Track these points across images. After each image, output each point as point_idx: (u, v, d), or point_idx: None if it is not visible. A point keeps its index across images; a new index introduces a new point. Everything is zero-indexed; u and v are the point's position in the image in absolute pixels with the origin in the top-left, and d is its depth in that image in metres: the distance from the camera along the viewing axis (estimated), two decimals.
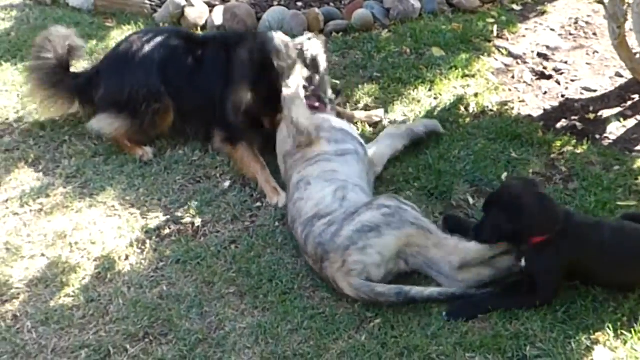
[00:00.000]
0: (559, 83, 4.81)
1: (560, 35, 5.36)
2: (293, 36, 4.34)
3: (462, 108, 4.44)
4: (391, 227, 3.17)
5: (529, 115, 4.43)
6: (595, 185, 3.78)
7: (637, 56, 4.62)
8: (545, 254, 3.04)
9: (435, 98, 4.53)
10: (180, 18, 5.37)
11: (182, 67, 4.16)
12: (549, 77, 4.86)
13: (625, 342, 2.94)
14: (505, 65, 4.96)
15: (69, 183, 3.94)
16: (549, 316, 3.05)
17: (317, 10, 5.33)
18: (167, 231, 3.62)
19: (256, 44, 4.10)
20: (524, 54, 5.08)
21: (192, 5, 5.34)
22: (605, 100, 4.61)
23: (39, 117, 4.37)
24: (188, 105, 4.16)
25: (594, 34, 5.37)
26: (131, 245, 3.53)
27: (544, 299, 3.08)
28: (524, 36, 5.31)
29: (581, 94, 4.68)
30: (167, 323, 3.11)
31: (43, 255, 3.49)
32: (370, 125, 4.29)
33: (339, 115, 4.17)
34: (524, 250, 3.10)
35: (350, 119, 4.26)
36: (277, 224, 3.62)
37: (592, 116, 4.44)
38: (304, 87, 3.98)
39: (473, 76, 4.76)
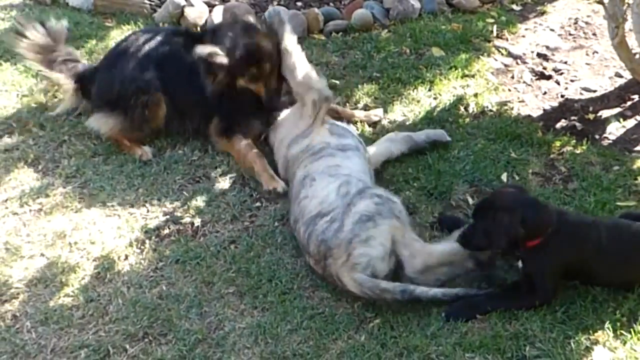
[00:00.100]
0: (558, 83, 4.81)
1: (559, 35, 5.36)
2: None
3: (462, 108, 4.44)
4: (382, 217, 3.19)
5: (529, 116, 4.43)
6: (594, 186, 3.78)
7: (637, 56, 4.62)
8: (541, 256, 3.06)
9: (434, 98, 4.53)
10: (180, 18, 5.37)
11: (179, 63, 4.15)
12: (549, 78, 4.86)
13: (624, 342, 2.94)
14: (505, 65, 4.96)
15: (68, 183, 3.94)
16: (548, 316, 3.05)
17: (316, 10, 5.32)
18: (166, 231, 3.62)
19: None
20: (524, 54, 5.08)
21: (192, 5, 5.34)
22: (605, 100, 4.61)
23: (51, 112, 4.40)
24: (185, 100, 4.15)
25: (594, 34, 5.37)
26: (130, 245, 3.53)
27: (543, 299, 3.09)
28: (523, 36, 5.31)
29: (581, 94, 4.69)
30: (166, 323, 3.11)
31: (42, 255, 3.49)
32: (369, 125, 4.29)
33: (338, 114, 4.20)
34: (520, 253, 3.12)
35: (350, 118, 4.27)
36: (276, 223, 3.62)
37: (591, 116, 4.44)
38: None
39: (473, 76, 4.76)
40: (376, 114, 4.33)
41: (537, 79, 4.84)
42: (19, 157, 4.12)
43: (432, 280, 3.21)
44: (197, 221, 3.66)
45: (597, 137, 4.25)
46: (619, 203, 3.64)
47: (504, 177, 3.86)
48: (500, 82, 4.77)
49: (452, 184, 3.79)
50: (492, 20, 5.40)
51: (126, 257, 3.47)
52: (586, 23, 5.49)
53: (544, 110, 4.51)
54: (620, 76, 4.83)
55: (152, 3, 5.56)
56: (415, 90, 4.59)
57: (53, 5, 5.72)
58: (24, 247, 3.53)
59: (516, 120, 4.32)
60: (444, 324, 3.04)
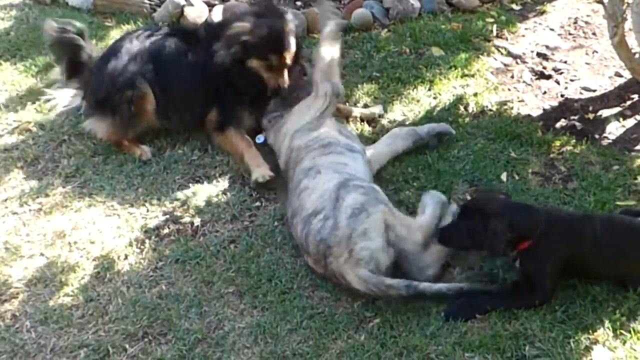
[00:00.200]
0: (558, 83, 4.81)
1: (559, 35, 5.36)
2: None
3: (462, 108, 4.44)
4: (372, 205, 3.21)
5: (528, 115, 4.43)
6: (594, 185, 3.78)
7: (637, 56, 4.62)
8: (535, 256, 3.07)
9: (434, 98, 4.53)
10: (180, 17, 5.37)
11: (172, 56, 4.15)
12: (549, 77, 4.85)
13: (624, 342, 2.94)
14: (505, 64, 4.96)
15: (68, 182, 3.94)
16: (548, 316, 3.05)
17: (316, 10, 5.32)
18: (166, 231, 3.62)
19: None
20: (524, 53, 5.08)
21: (192, 5, 5.34)
22: (605, 100, 4.61)
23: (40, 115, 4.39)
24: (179, 93, 4.14)
25: (594, 33, 5.36)
26: (130, 244, 3.53)
27: (543, 298, 3.09)
28: (523, 36, 5.31)
29: (580, 93, 4.68)
30: (166, 323, 3.11)
31: (42, 254, 3.49)
32: (369, 124, 4.29)
33: (339, 111, 4.19)
34: (516, 254, 3.13)
35: (349, 114, 4.28)
36: (276, 223, 3.62)
37: (591, 116, 4.43)
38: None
39: (472, 76, 4.76)
40: (375, 111, 4.33)
41: (536, 79, 4.84)
42: (19, 156, 4.12)
43: (436, 261, 3.24)
44: (197, 221, 3.66)
45: (596, 136, 4.25)
46: (618, 202, 3.64)
47: (503, 176, 3.86)
48: (500, 81, 4.76)
49: (451, 183, 3.79)
50: (491, 20, 5.40)
51: (126, 257, 3.47)
52: (586, 22, 5.49)
53: (544, 109, 4.51)
54: (620, 76, 4.82)
55: (152, 3, 5.56)
56: (415, 89, 4.59)
57: (53, 4, 5.72)
58: (23, 246, 3.53)
59: (516, 120, 4.32)
60: (444, 323, 3.04)
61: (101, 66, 4.18)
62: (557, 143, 4.13)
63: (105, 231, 3.62)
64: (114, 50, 4.21)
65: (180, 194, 3.83)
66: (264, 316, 3.13)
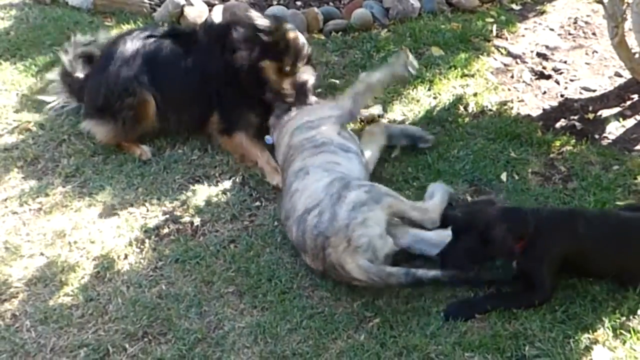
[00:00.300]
0: (558, 83, 4.80)
1: (559, 35, 5.36)
2: None
3: (461, 108, 4.44)
4: (374, 201, 3.24)
5: (528, 115, 4.43)
6: (594, 185, 3.78)
7: (637, 56, 4.62)
8: (530, 255, 3.07)
9: (434, 98, 4.52)
10: (180, 17, 5.36)
11: (170, 59, 4.14)
12: (548, 77, 4.85)
13: (624, 342, 2.94)
14: (505, 64, 4.96)
15: (68, 182, 3.94)
16: (547, 316, 3.05)
17: (316, 9, 5.32)
18: (166, 230, 3.62)
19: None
20: (523, 53, 5.07)
21: (192, 5, 5.34)
22: (605, 100, 4.61)
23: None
24: (179, 96, 4.13)
25: (593, 33, 5.36)
26: (130, 244, 3.53)
27: (543, 297, 3.10)
28: (523, 36, 5.31)
29: (580, 93, 4.68)
30: (166, 322, 3.11)
31: (42, 254, 3.49)
32: (369, 124, 4.28)
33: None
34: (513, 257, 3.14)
35: None
36: (275, 223, 3.62)
37: (591, 116, 4.43)
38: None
39: (472, 76, 4.76)
40: (374, 111, 4.34)
41: (536, 79, 4.84)
42: (19, 156, 4.12)
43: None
44: (197, 220, 3.66)
45: (596, 136, 4.25)
46: (618, 202, 3.64)
47: (503, 176, 3.86)
48: (499, 81, 4.76)
49: (451, 183, 3.79)
50: (491, 20, 5.40)
51: (126, 257, 3.47)
52: (586, 22, 5.49)
53: (544, 109, 4.51)
54: (620, 76, 4.82)
55: (152, 2, 5.55)
56: (414, 89, 4.58)
57: (52, 4, 5.71)
58: (23, 246, 3.53)
59: (516, 120, 4.32)
60: (444, 323, 3.04)
61: (98, 71, 4.17)
62: (557, 143, 4.13)
63: (105, 231, 3.62)
64: (110, 54, 4.17)
65: (180, 194, 3.83)
66: (264, 316, 3.13)
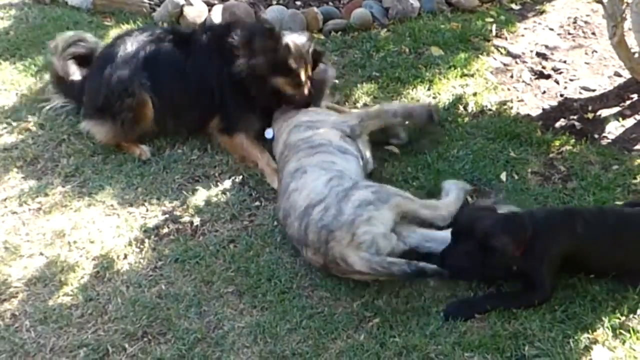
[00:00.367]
0: (557, 82, 4.81)
1: (559, 34, 5.36)
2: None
3: (461, 107, 4.44)
4: (382, 201, 3.25)
5: (528, 115, 4.43)
6: (594, 185, 3.78)
7: (636, 55, 4.62)
8: (530, 256, 3.07)
9: (434, 97, 4.52)
10: (179, 17, 5.36)
11: (170, 62, 4.14)
12: (548, 77, 4.85)
13: (624, 342, 2.95)
14: (504, 64, 4.96)
15: (67, 182, 3.94)
16: (547, 315, 3.05)
17: (315, 9, 5.32)
18: (165, 230, 3.62)
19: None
20: (523, 53, 5.08)
21: (191, 4, 5.34)
22: (604, 99, 4.61)
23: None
24: (179, 99, 4.13)
25: (593, 33, 5.36)
26: (130, 244, 3.53)
27: (542, 297, 3.10)
28: (522, 35, 5.31)
29: (580, 93, 4.68)
30: (165, 322, 3.11)
31: (42, 254, 3.49)
32: None
33: (336, 112, 4.19)
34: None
35: None
36: (275, 223, 3.62)
37: (590, 115, 4.44)
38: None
39: (472, 75, 4.76)
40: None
41: (536, 78, 4.84)
42: (18, 156, 4.12)
43: None
44: (197, 220, 3.66)
45: (596, 136, 4.25)
46: (618, 202, 3.64)
47: (503, 176, 3.86)
48: (499, 81, 4.77)
49: None
50: (491, 20, 5.40)
51: (125, 256, 3.47)
52: (585, 22, 5.49)
53: (543, 109, 4.51)
54: (620, 75, 4.82)
55: (152, 2, 5.55)
56: (414, 89, 4.59)
57: (52, 4, 5.71)
58: (23, 246, 3.53)
59: (515, 120, 4.32)
60: (443, 323, 3.05)
61: (98, 72, 4.16)
62: (557, 143, 4.13)
63: (104, 231, 3.62)
64: (110, 55, 4.17)
65: (179, 194, 3.83)
66: (264, 316, 3.13)
